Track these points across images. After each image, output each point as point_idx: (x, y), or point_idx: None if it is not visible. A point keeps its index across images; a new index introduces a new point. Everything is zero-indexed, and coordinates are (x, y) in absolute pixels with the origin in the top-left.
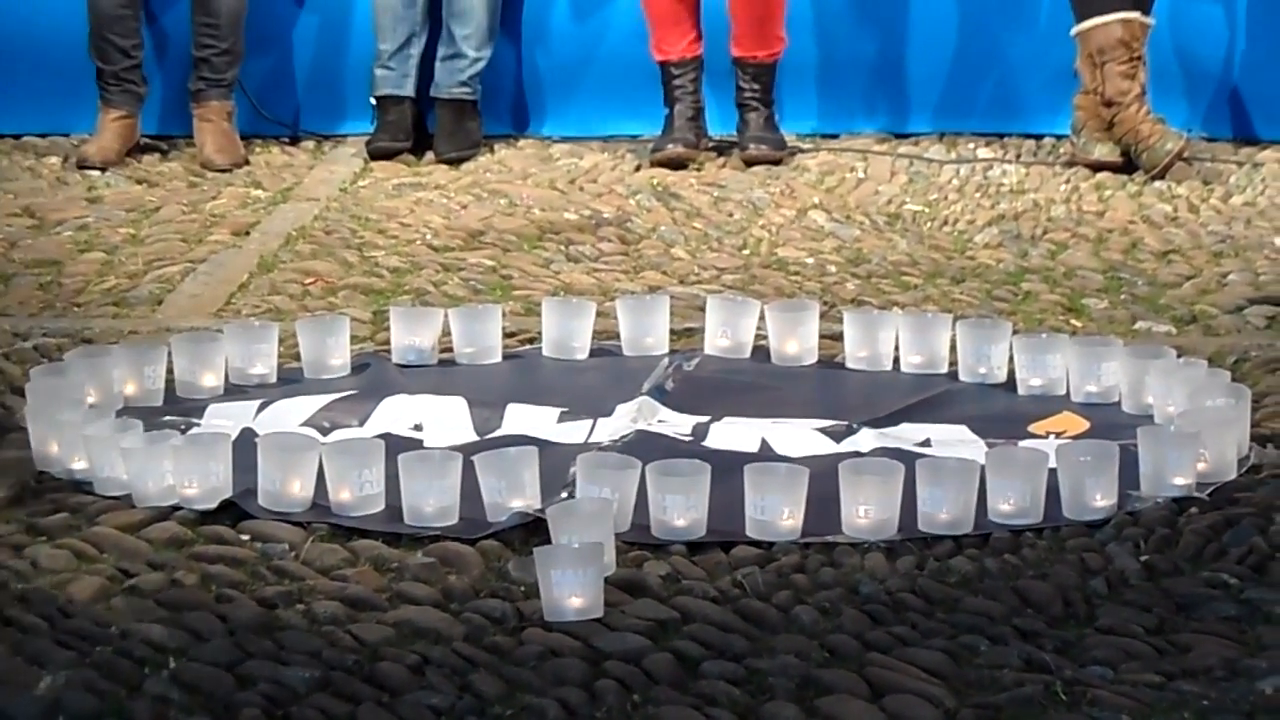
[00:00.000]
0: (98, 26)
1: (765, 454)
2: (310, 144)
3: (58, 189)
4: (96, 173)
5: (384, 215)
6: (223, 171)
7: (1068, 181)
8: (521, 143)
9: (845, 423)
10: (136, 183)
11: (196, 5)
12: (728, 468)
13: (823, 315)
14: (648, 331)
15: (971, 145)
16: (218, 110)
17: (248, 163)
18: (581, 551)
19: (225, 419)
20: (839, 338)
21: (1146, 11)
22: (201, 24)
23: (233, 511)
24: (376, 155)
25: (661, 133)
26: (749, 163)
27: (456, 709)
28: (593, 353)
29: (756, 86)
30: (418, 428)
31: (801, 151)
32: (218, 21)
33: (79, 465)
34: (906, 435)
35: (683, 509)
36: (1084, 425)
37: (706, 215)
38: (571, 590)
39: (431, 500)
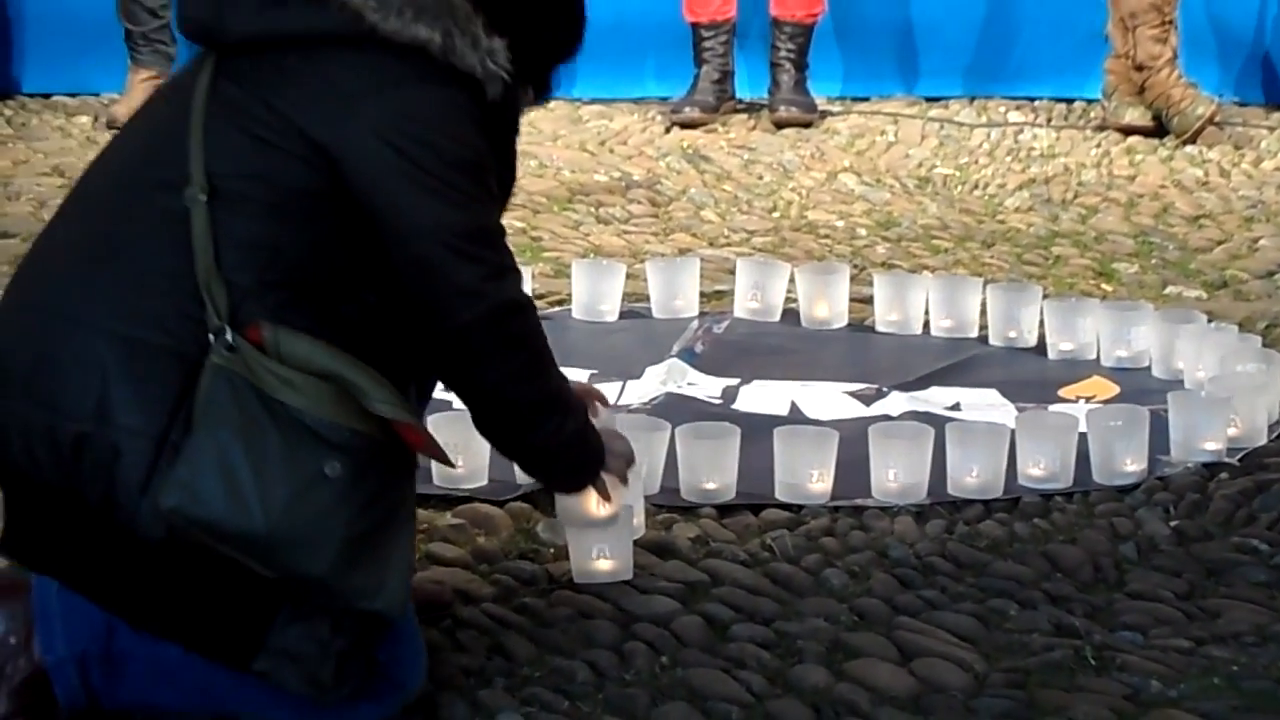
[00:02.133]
0: None
1: (795, 417)
2: None
3: (88, 148)
4: None
5: None
6: None
7: (1098, 146)
8: (552, 104)
9: (875, 386)
10: None
11: None
12: (757, 430)
13: (853, 278)
14: (677, 294)
15: (1002, 109)
16: None
17: None
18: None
19: None
20: (869, 301)
21: None
22: None
23: None
24: None
25: (685, 94)
26: (779, 125)
27: (486, 670)
28: (622, 315)
29: (792, 48)
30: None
31: (831, 114)
32: None
33: None
34: (936, 399)
35: (712, 472)
36: (1114, 390)
37: (736, 178)
38: (601, 552)
39: (461, 461)
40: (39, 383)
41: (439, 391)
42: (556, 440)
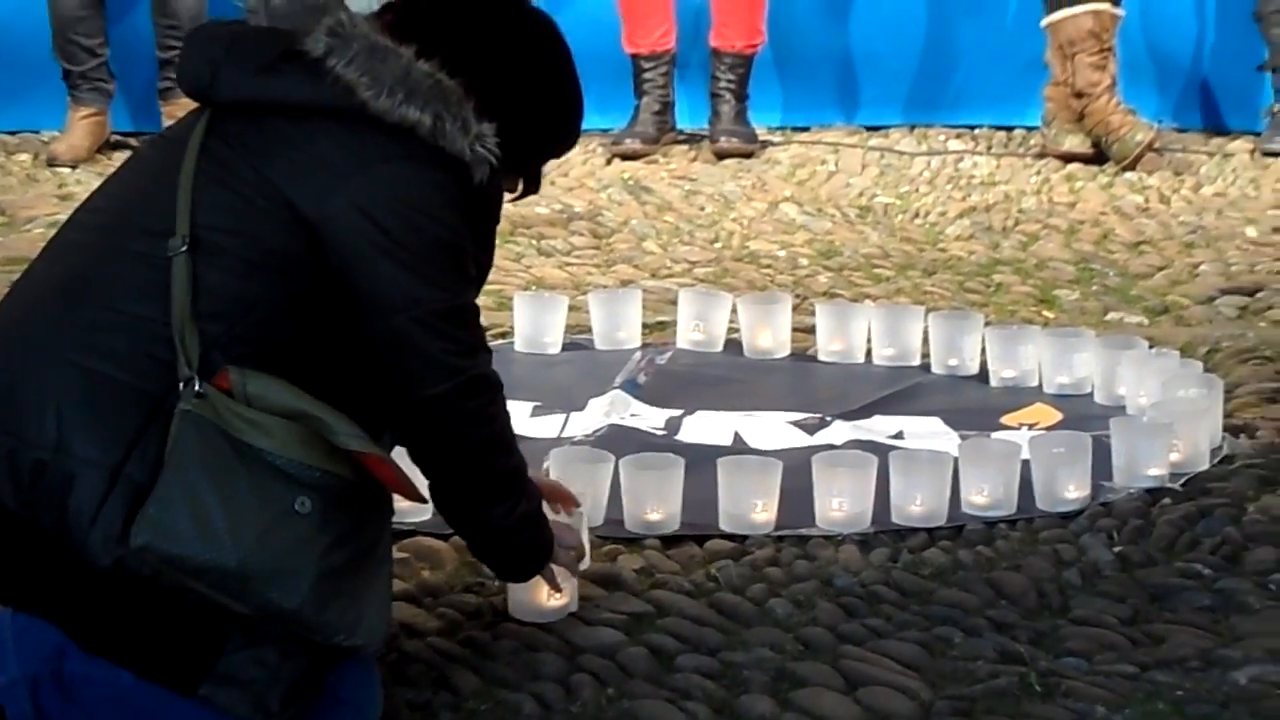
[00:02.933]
0: (60, 28)
1: (738, 447)
2: None
3: (28, 186)
4: (67, 170)
5: None
6: None
7: (1038, 173)
8: None
9: (818, 415)
10: None
11: (157, 7)
12: (701, 461)
13: (795, 308)
14: (620, 325)
15: (942, 137)
16: (187, 105)
17: None
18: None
19: None
20: (811, 330)
21: (1116, 3)
22: (163, 26)
23: None
24: None
25: (625, 126)
26: (720, 155)
27: (433, 704)
28: (565, 347)
29: (732, 78)
30: None
31: (772, 144)
32: (178, 23)
33: None
34: (879, 427)
35: (656, 503)
36: (1056, 416)
37: (678, 209)
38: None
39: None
40: (3, 410)
41: None
42: (509, 520)
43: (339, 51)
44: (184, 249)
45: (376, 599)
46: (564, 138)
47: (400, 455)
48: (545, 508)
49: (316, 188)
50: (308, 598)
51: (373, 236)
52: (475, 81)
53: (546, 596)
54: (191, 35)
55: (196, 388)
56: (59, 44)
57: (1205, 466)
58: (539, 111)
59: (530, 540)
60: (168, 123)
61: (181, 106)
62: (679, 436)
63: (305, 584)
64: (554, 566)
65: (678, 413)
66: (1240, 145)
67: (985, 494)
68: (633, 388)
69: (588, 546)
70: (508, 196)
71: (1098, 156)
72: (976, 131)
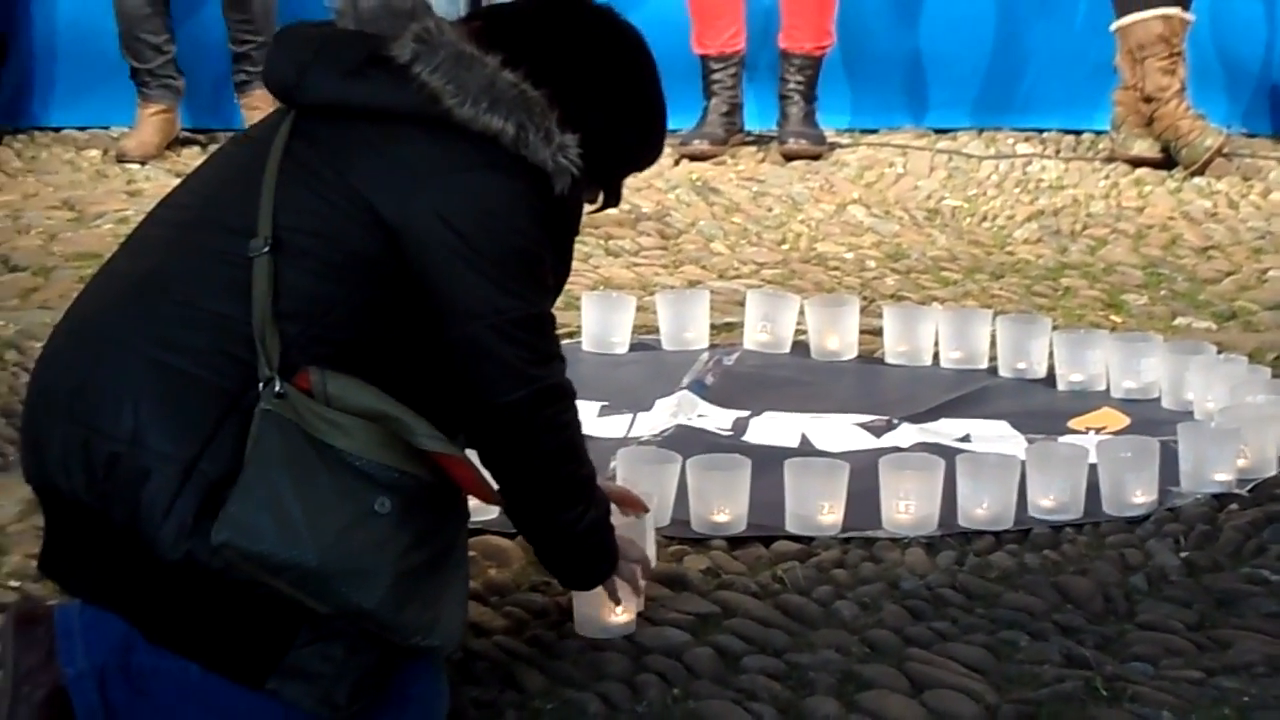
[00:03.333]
0: (127, 26)
1: (805, 449)
2: None
3: (98, 182)
4: (136, 166)
5: None
6: None
7: (1107, 177)
8: None
9: (885, 418)
10: (176, 176)
11: (228, 3)
12: (768, 462)
13: (862, 310)
14: (687, 326)
15: (1010, 140)
16: (264, 99)
17: None
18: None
19: None
20: (879, 333)
21: (1186, 7)
22: (235, 20)
23: None
24: None
25: (694, 127)
26: (788, 157)
27: (499, 703)
28: (632, 347)
29: (801, 80)
30: None
31: (840, 146)
32: (250, 16)
33: None
34: (946, 430)
35: (723, 503)
36: (1124, 421)
37: (745, 210)
38: (610, 605)
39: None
40: (80, 402)
41: None
42: (578, 526)
43: (425, 58)
44: (266, 249)
45: (453, 600)
46: (647, 151)
47: (471, 456)
48: (613, 511)
49: (398, 192)
50: (385, 598)
51: (453, 243)
52: (560, 92)
53: (610, 612)
54: (281, 35)
55: (277, 388)
56: (126, 42)
57: (1273, 472)
58: (623, 124)
59: (597, 546)
60: (245, 114)
61: (259, 99)
62: (746, 437)
63: (384, 584)
64: (618, 580)
65: (745, 414)
66: None
67: (1052, 498)
68: (700, 388)
69: (653, 548)
70: (588, 208)
71: (1166, 161)
72: (1045, 135)
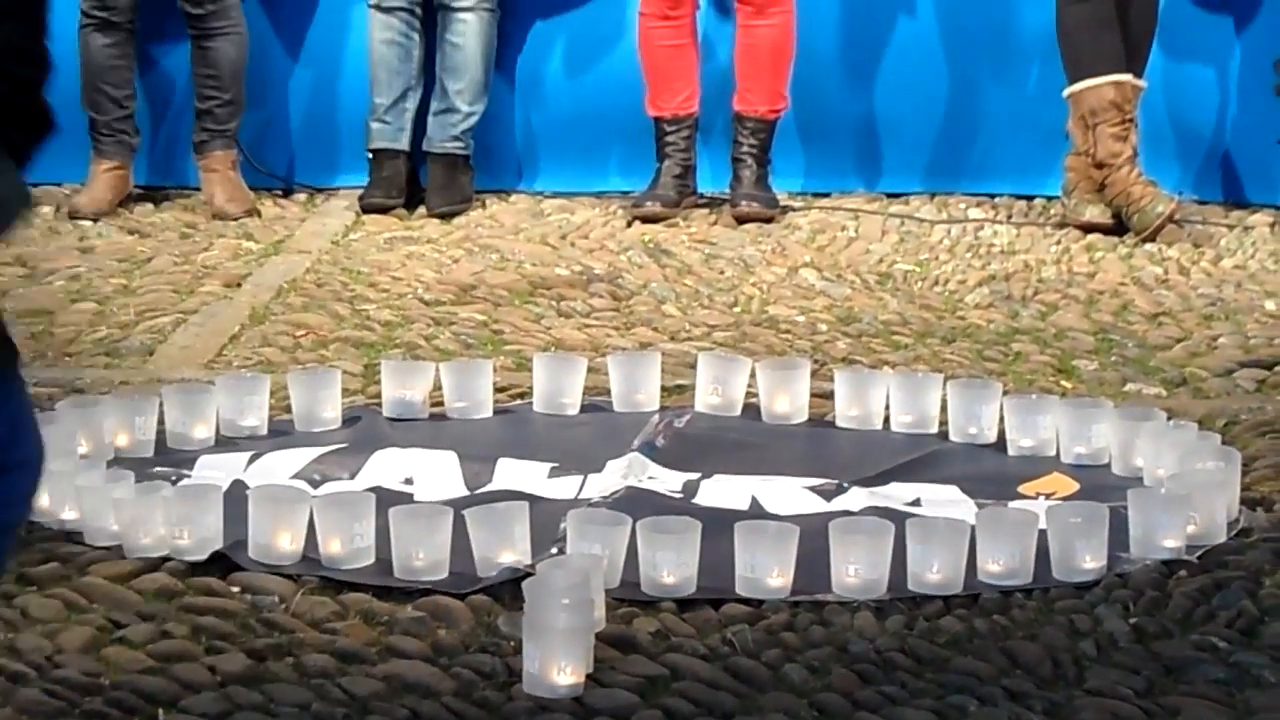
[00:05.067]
0: (90, 77)
1: (755, 512)
2: (302, 196)
3: (50, 238)
4: (88, 223)
5: (375, 269)
6: (235, 219)
7: (1059, 243)
8: (513, 197)
9: (835, 481)
10: (128, 233)
11: (197, 58)
12: (718, 525)
13: (813, 373)
14: (639, 388)
15: (962, 205)
16: (222, 160)
17: (258, 212)
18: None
19: (216, 470)
20: (830, 396)
21: (1139, 74)
22: (203, 76)
23: (223, 563)
24: (369, 209)
25: (646, 189)
26: (741, 220)
27: None
28: (584, 408)
29: (754, 143)
30: (409, 481)
31: (793, 210)
32: (219, 73)
33: (70, 515)
34: (896, 494)
35: (673, 566)
36: (1074, 486)
37: (698, 272)
38: (561, 668)
39: (422, 554)
40: None
41: (397, 484)
42: None
43: None
44: None
45: None
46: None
47: None
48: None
49: None
50: None
51: None
52: None
53: (558, 674)
54: None
55: None
56: (87, 93)
57: (1222, 539)
58: None
59: None
60: (203, 175)
61: (217, 160)
62: (696, 500)
63: None
64: (567, 647)
65: (695, 476)
66: (1260, 218)
67: (1001, 563)
68: (650, 450)
69: (602, 609)
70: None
71: (1118, 227)
72: (997, 200)
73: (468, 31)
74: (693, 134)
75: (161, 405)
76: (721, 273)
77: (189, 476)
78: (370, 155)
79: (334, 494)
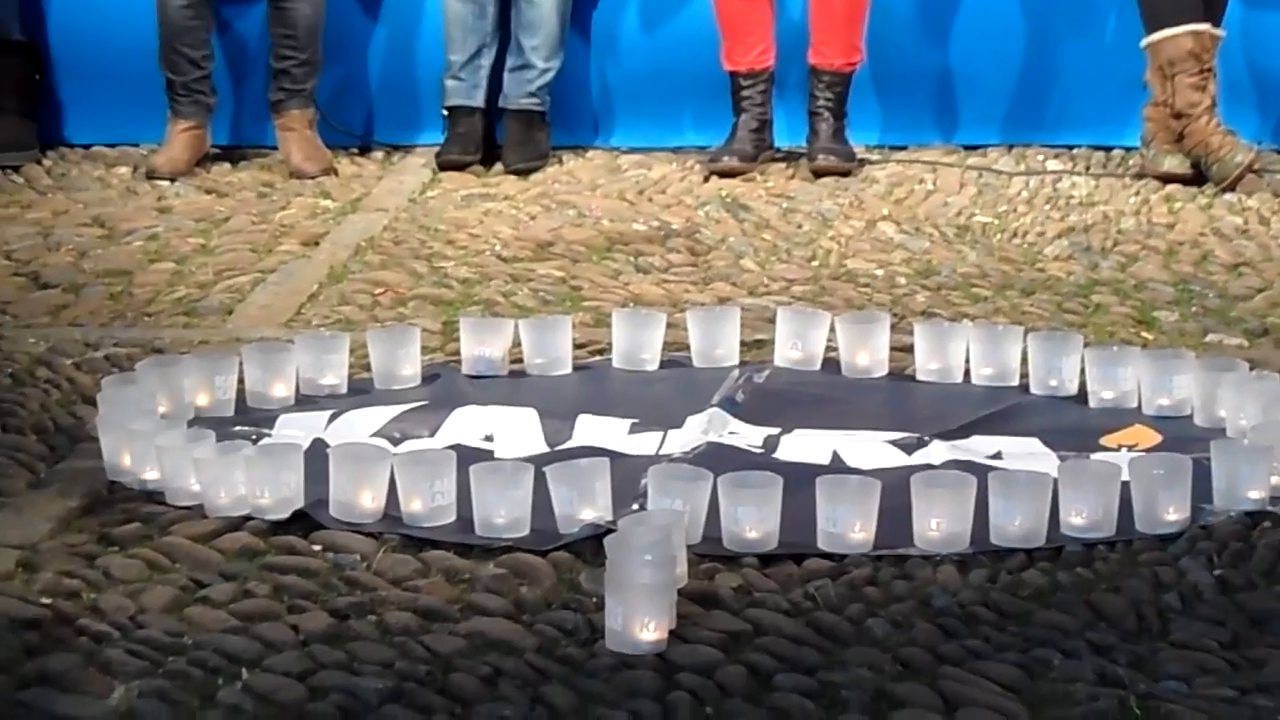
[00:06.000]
0: (168, 37)
1: (836, 466)
2: (379, 154)
3: (127, 199)
4: (166, 183)
5: (453, 226)
6: (312, 179)
7: (1137, 194)
8: (590, 153)
9: (916, 435)
10: (206, 193)
11: (273, 17)
12: (799, 480)
13: (893, 327)
14: (718, 343)
15: (1040, 157)
16: (299, 119)
17: (335, 171)
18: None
19: (297, 429)
20: (909, 350)
21: (1217, 24)
22: (280, 35)
23: (304, 522)
24: (446, 167)
25: (723, 143)
26: (818, 174)
27: None
28: (663, 364)
29: (830, 96)
30: (489, 439)
31: (870, 163)
32: (295, 33)
33: (151, 475)
34: (978, 448)
35: (754, 521)
36: (1156, 438)
37: (775, 226)
38: (645, 624)
39: (503, 511)
40: None
41: (477, 441)
42: None
43: None
44: None
45: None
46: None
47: None
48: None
49: None
50: None
51: None
52: None
53: (642, 629)
54: None
55: None
56: (165, 54)
57: None
58: None
59: None
60: (280, 134)
61: (294, 120)
62: (777, 455)
63: None
64: (649, 603)
65: (776, 431)
66: None
67: (1084, 515)
68: (731, 405)
69: (685, 565)
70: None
71: (1197, 177)
72: (1075, 151)
73: None
74: (768, 88)
75: (241, 364)
76: (799, 227)
77: (269, 435)
78: (446, 113)
79: (414, 452)
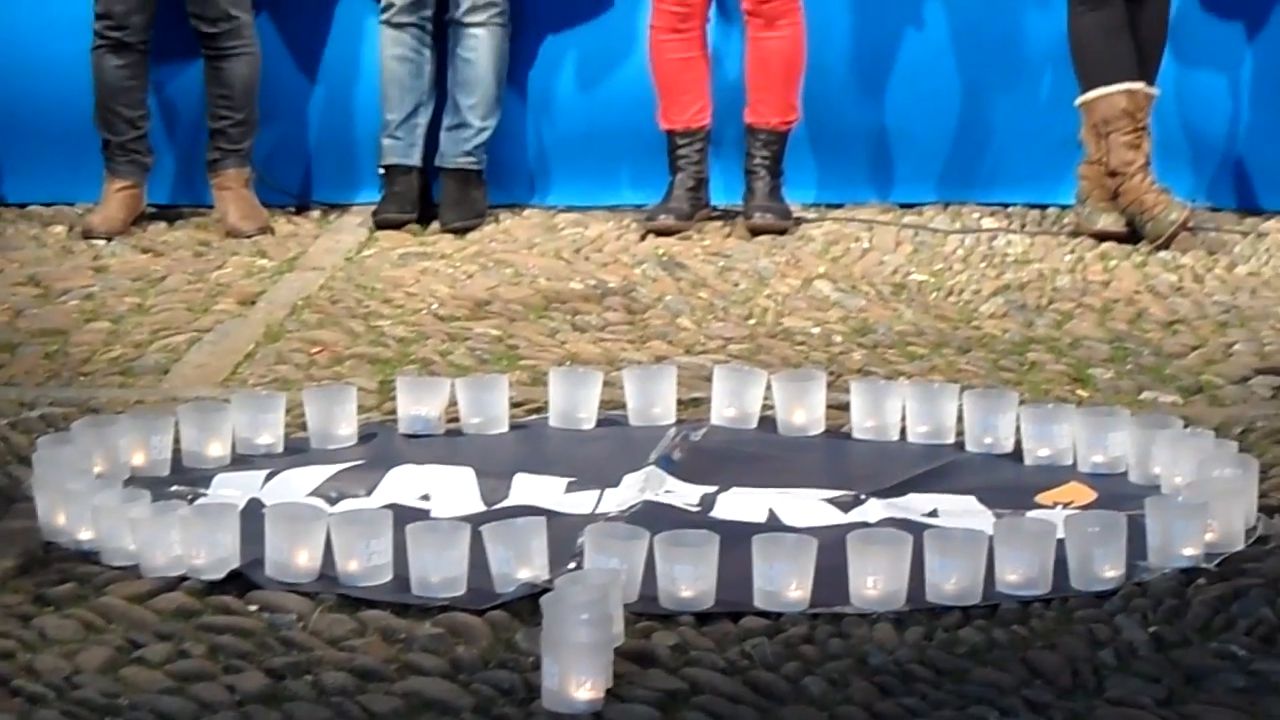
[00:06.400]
0: (104, 98)
1: (773, 524)
2: (316, 213)
3: (63, 258)
4: (102, 242)
5: (390, 285)
6: (248, 238)
7: (1072, 251)
8: (527, 212)
9: (853, 493)
10: (142, 252)
11: (210, 77)
12: (735, 538)
13: (829, 385)
14: (654, 401)
15: (976, 215)
16: (235, 178)
17: (272, 230)
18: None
19: (233, 489)
20: (845, 408)
21: (1151, 82)
22: (216, 95)
23: (240, 582)
24: (383, 225)
25: (659, 202)
26: (754, 232)
27: None
28: (600, 423)
29: (766, 155)
30: (425, 498)
31: (806, 221)
32: (231, 92)
33: (86, 535)
34: (914, 505)
35: (691, 579)
36: (1091, 495)
37: (712, 285)
38: (581, 683)
39: (439, 570)
40: None
41: (414, 500)
42: None
43: None
44: None
45: None
46: None
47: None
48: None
49: None
50: None
51: None
52: None
53: (577, 689)
54: None
55: None
56: (101, 113)
57: (1240, 547)
58: None
59: None
60: (216, 194)
61: (230, 178)
62: (713, 513)
63: None
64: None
65: (712, 489)
66: (1274, 225)
67: (1020, 573)
68: (667, 464)
69: (621, 624)
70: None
71: (1131, 235)
72: (1010, 209)
73: (479, 47)
74: (705, 147)
75: (177, 424)
76: (736, 285)
77: (205, 495)
78: (382, 171)
79: (350, 511)
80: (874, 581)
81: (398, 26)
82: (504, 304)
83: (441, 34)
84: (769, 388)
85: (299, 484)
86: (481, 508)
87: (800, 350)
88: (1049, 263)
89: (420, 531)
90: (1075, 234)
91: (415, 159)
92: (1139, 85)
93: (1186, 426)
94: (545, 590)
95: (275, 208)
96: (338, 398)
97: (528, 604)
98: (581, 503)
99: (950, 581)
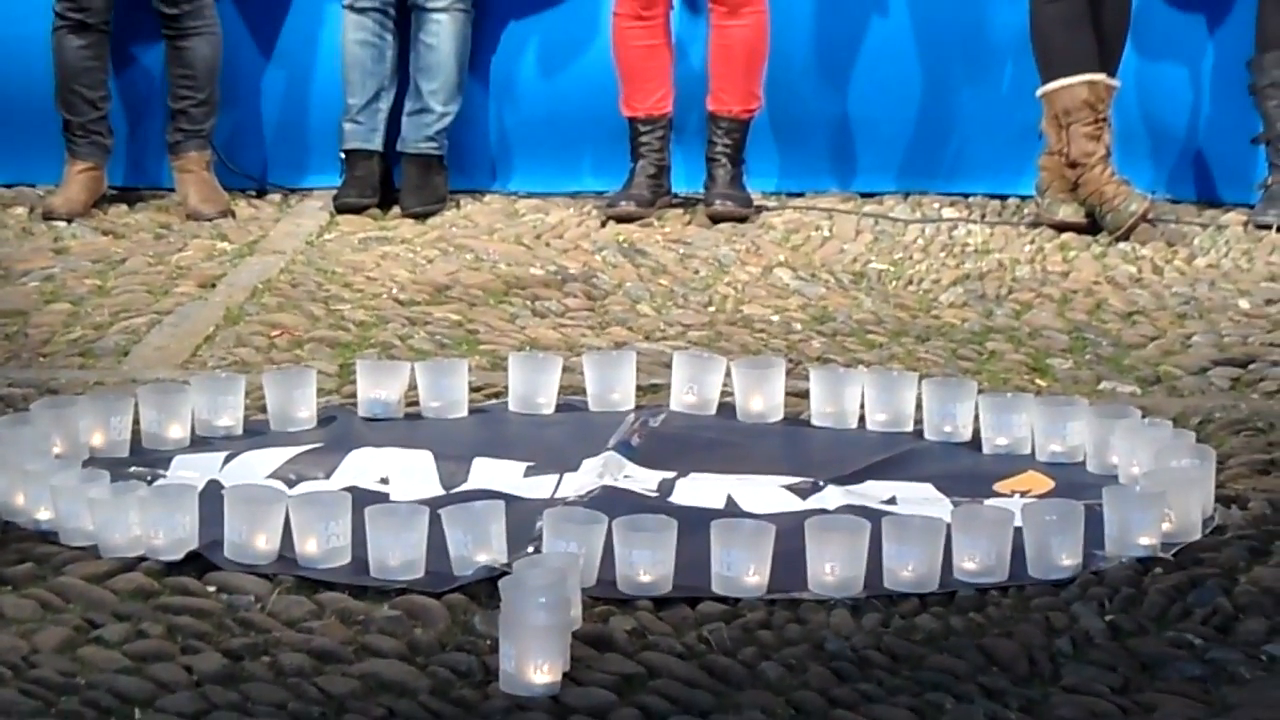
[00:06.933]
0: (64, 78)
1: (731, 510)
2: (276, 197)
3: (23, 240)
4: (63, 224)
5: (350, 269)
6: (209, 220)
7: (1032, 242)
8: (488, 198)
9: (811, 480)
10: (103, 234)
11: (171, 57)
12: (694, 524)
13: (788, 372)
14: (614, 387)
15: (936, 205)
16: (197, 160)
17: (232, 213)
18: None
19: (192, 470)
20: (805, 395)
21: (1112, 74)
22: (178, 75)
23: (199, 563)
24: (343, 210)
25: (621, 189)
26: (715, 219)
27: None
28: (559, 408)
29: (728, 143)
30: (384, 481)
31: (767, 209)
32: (193, 73)
33: (45, 515)
34: (872, 493)
35: (649, 564)
36: (1049, 484)
37: (672, 272)
38: (539, 666)
39: (398, 553)
40: None
41: (373, 483)
42: None
43: None
44: None
45: None
46: None
47: None
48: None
49: None
50: None
51: None
52: None
53: (535, 672)
54: None
55: None
56: (61, 94)
57: (1197, 537)
58: None
59: None
60: (177, 175)
61: (192, 161)
62: (672, 499)
63: None
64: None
65: (671, 475)
66: (1233, 217)
67: (977, 561)
68: (626, 449)
69: (579, 608)
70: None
71: (1091, 226)
72: (971, 200)
73: (441, 32)
74: (667, 134)
75: (136, 405)
76: (696, 272)
77: (164, 476)
78: (344, 156)
79: (309, 494)
80: (832, 568)
81: (360, 11)
82: (464, 289)
83: (404, 18)
84: (728, 374)
85: (258, 466)
86: (440, 491)
87: (760, 338)
88: (1009, 253)
89: (379, 514)
90: (1035, 224)
91: (376, 144)
92: (1100, 77)
93: (1144, 417)
94: (503, 574)
95: (236, 191)
96: (297, 381)
97: (486, 587)
98: (540, 487)
99: (908, 569)
